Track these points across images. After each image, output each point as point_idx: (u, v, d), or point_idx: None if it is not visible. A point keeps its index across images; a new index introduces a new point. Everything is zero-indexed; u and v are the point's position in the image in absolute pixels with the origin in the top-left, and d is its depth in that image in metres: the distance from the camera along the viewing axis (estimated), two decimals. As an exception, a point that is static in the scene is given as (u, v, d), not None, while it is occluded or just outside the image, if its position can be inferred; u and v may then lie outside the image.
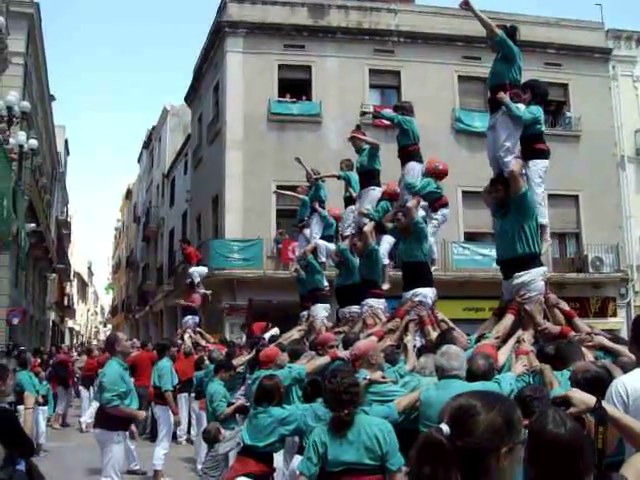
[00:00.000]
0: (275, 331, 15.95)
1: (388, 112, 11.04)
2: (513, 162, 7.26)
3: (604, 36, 27.94)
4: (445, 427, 1.97)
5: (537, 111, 7.60)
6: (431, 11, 26.36)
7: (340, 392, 4.55)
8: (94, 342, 57.41)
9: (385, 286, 10.62)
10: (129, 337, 29.35)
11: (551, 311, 7.23)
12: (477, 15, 7.58)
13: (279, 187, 21.21)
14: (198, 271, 18.28)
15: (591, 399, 2.85)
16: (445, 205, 10.20)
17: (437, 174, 10.03)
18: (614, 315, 25.79)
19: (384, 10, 26.07)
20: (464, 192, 23.76)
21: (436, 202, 10.00)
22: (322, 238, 12.92)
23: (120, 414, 7.35)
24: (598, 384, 3.85)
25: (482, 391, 2.32)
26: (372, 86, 25.76)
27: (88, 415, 15.98)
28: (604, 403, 2.88)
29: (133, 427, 8.10)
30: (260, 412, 5.56)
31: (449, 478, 1.90)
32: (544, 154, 7.84)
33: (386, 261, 11.01)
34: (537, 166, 7.70)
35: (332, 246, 12.76)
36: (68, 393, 18.74)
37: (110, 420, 7.36)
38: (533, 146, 7.67)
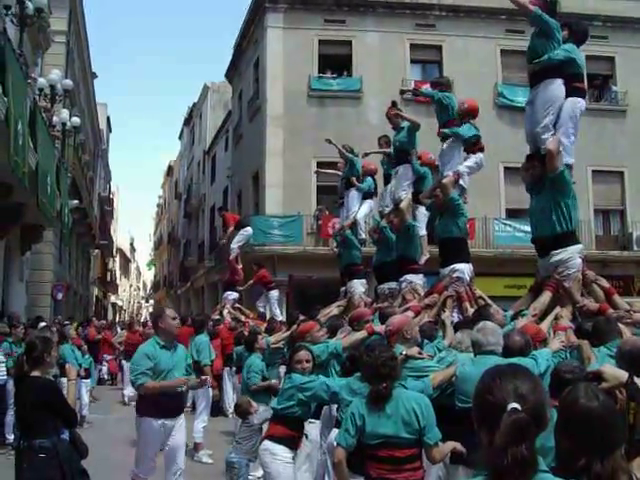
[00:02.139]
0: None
1: (427, 89, 10.95)
2: (550, 140, 7.18)
3: (653, 7, 27.14)
4: (517, 405, 2.04)
5: (572, 49, 7.41)
6: (473, -16, 25.83)
7: (378, 366, 4.55)
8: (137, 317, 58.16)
9: (423, 258, 10.59)
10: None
11: (590, 287, 7.16)
12: None
13: (319, 163, 21.25)
14: (237, 242, 17.96)
15: (623, 375, 2.83)
16: (482, 149, 9.96)
17: (469, 112, 9.89)
18: (660, 294, 25.26)
19: (425, -16, 25.68)
20: (506, 168, 23.56)
21: (474, 146, 9.87)
22: (363, 198, 13.01)
23: (150, 391, 6.67)
24: (640, 361, 3.81)
25: (515, 365, 2.32)
26: (413, 61, 25.53)
27: (130, 388, 16.20)
28: (636, 379, 2.86)
29: None
30: (287, 378, 5.73)
31: (534, 450, 2.02)
32: (581, 92, 7.65)
33: (423, 232, 10.96)
34: (572, 101, 7.49)
35: (372, 203, 13.04)
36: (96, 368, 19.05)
37: (141, 403, 6.89)
38: (571, 84, 7.47)
